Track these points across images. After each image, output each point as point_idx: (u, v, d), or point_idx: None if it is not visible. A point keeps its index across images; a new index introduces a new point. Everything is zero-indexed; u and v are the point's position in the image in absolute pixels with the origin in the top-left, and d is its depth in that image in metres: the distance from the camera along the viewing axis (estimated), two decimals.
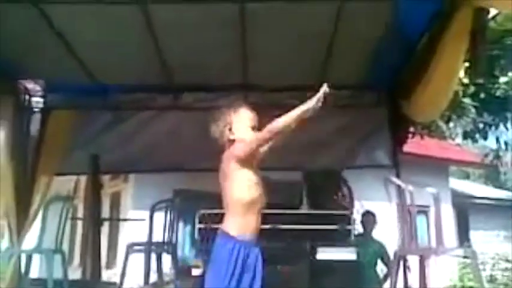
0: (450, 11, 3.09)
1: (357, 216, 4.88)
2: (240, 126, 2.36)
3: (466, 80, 6.18)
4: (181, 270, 4.79)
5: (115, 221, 7.57)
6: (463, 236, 10.86)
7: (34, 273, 4.40)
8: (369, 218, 5.20)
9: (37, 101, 4.81)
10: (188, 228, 7.07)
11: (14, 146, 4.27)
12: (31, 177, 4.40)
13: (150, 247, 4.55)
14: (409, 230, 3.02)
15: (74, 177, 7.63)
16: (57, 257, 3.93)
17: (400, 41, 3.76)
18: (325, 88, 2.24)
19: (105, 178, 7.01)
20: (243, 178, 2.25)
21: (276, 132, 2.23)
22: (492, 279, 9.29)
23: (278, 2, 3.34)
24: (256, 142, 2.26)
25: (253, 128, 2.38)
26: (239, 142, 2.31)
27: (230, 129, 2.36)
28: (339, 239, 3.81)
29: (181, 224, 5.08)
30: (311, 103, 2.23)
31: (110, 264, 7.17)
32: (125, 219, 7.05)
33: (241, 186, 2.23)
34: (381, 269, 5.16)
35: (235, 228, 2.19)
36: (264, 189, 2.31)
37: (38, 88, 4.81)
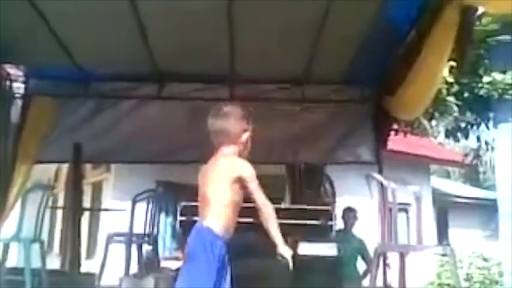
0: (438, 8, 3.10)
1: (338, 211, 4.90)
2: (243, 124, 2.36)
3: (450, 79, 6.25)
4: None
5: (96, 211, 7.49)
6: (442, 234, 11.02)
7: (12, 262, 4.33)
8: (349, 213, 5.23)
9: (18, 87, 4.72)
10: (169, 220, 7.04)
11: None
12: (10, 165, 4.32)
13: (131, 238, 4.52)
14: (390, 227, 3.05)
15: (55, 166, 7.54)
16: (36, 246, 3.87)
17: (386, 36, 3.77)
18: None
19: (87, 167, 6.94)
20: (238, 186, 2.26)
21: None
22: (468, 277, 9.45)
23: None
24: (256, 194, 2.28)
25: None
26: (243, 161, 2.30)
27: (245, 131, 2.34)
28: (321, 234, 3.82)
29: (162, 216, 5.04)
30: (280, 247, 2.28)
31: (89, 255, 7.11)
32: (106, 210, 6.99)
33: (235, 192, 2.25)
34: (360, 265, 5.20)
35: (220, 226, 2.19)
36: None
37: (19, 73, 4.72)
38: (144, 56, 4.18)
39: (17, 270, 3.85)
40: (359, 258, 5.17)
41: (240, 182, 2.25)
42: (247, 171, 2.27)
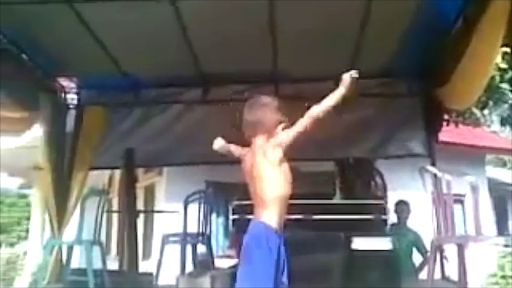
0: None
1: (390, 205, 4.81)
2: (279, 116, 2.35)
3: (503, 65, 5.99)
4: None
5: (150, 213, 7.70)
6: (502, 225, 10.59)
7: (74, 264, 4.53)
8: (402, 207, 5.13)
9: (72, 98, 4.94)
10: (221, 219, 7.15)
11: (53, 142, 4.40)
12: (68, 172, 4.53)
13: (185, 238, 4.61)
14: (446, 219, 2.97)
15: (108, 172, 7.80)
16: (96, 248, 4.03)
17: (432, 27, 3.67)
18: (352, 72, 2.21)
19: (139, 172, 7.14)
20: (281, 173, 2.26)
21: (316, 119, 2.22)
22: None
23: None
24: (300, 129, 2.25)
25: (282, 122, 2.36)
26: (280, 132, 2.29)
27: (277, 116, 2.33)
28: (374, 228, 3.78)
29: (214, 215, 5.12)
30: (343, 88, 2.21)
31: (145, 256, 7.31)
32: (160, 211, 7.17)
33: (281, 182, 2.25)
34: (416, 258, 5.09)
35: (273, 220, 2.21)
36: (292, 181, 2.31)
37: (72, 85, 4.95)
38: (189, 60, 4.27)
39: (80, 271, 4.02)
40: (415, 251, 5.07)
41: (282, 146, 2.25)
42: (284, 133, 2.29)
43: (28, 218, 10.27)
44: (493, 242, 5.18)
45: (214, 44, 3.96)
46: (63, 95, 4.85)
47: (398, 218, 5.12)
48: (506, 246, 4.94)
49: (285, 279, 2.20)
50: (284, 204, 2.26)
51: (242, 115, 2.41)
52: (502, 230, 10.15)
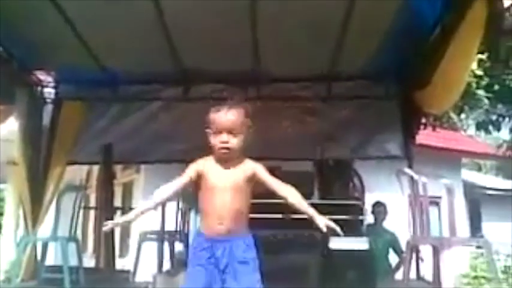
0: (464, 1, 3.05)
1: (368, 206, 4.87)
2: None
3: (479, 72, 6.11)
4: None
5: (127, 210, 7.62)
6: (476, 227, 10.80)
7: (50, 261, 4.46)
8: (379, 208, 5.20)
9: (49, 92, 4.85)
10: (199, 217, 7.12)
11: (28, 137, 4.32)
12: (44, 167, 4.45)
13: (162, 235, 4.58)
14: (422, 221, 3.02)
15: (85, 167, 7.70)
16: (72, 245, 3.98)
17: (412, 31, 3.72)
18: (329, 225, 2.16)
19: (117, 169, 7.06)
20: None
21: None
22: (506, 270, 9.24)
23: None
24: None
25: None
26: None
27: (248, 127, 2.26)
28: (351, 229, 3.81)
29: (192, 213, 5.10)
30: (317, 218, 2.15)
31: (122, 253, 7.24)
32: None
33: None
34: (393, 259, 5.17)
35: (203, 225, 2.26)
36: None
37: (50, 79, 4.86)
38: (169, 57, 4.23)
39: (55, 268, 3.96)
40: (391, 252, 5.14)
41: (253, 178, 2.22)
42: (259, 166, 2.25)
43: (1, 214, 10.06)
44: (467, 243, 5.27)
45: (195, 41, 3.94)
46: (40, 88, 4.76)
47: (376, 218, 5.18)
48: (478, 247, 5.04)
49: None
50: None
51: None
52: (474, 232, 10.35)
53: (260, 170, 2.23)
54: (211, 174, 2.23)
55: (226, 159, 2.23)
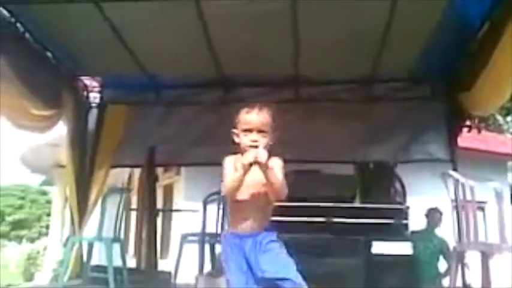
0: None
1: (412, 210, 4.76)
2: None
3: None
4: None
5: (168, 212, 7.73)
6: None
7: (94, 261, 4.58)
8: (434, 214, 5.09)
9: (94, 97, 5.01)
10: None
11: (75, 140, 4.47)
12: (89, 170, 4.59)
13: (203, 237, 4.62)
14: (469, 226, 2.91)
15: (127, 170, 7.86)
16: (116, 246, 4.07)
17: (457, 32, 3.62)
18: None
19: (158, 171, 7.17)
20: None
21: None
22: None
23: None
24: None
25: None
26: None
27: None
28: (395, 233, 3.73)
29: None
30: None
31: (163, 254, 7.35)
32: (179, 210, 7.19)
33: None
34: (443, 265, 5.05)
35: (231, 225, 2.28)
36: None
37: (95, 84, 5.01)
38: (210, 62, 4.28)
39: (100, 268, 4.06)
40: (441, 258, 5.02)
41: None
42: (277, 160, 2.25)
43: (48, 215, 10.43)
44: None
45: (236, 46, 3.97)
46: (85, 93, 4.92)
47: (428, 223, 5.08)
48: None
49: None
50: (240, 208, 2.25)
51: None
52: None
53: (273, 162, 2.21)
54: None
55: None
